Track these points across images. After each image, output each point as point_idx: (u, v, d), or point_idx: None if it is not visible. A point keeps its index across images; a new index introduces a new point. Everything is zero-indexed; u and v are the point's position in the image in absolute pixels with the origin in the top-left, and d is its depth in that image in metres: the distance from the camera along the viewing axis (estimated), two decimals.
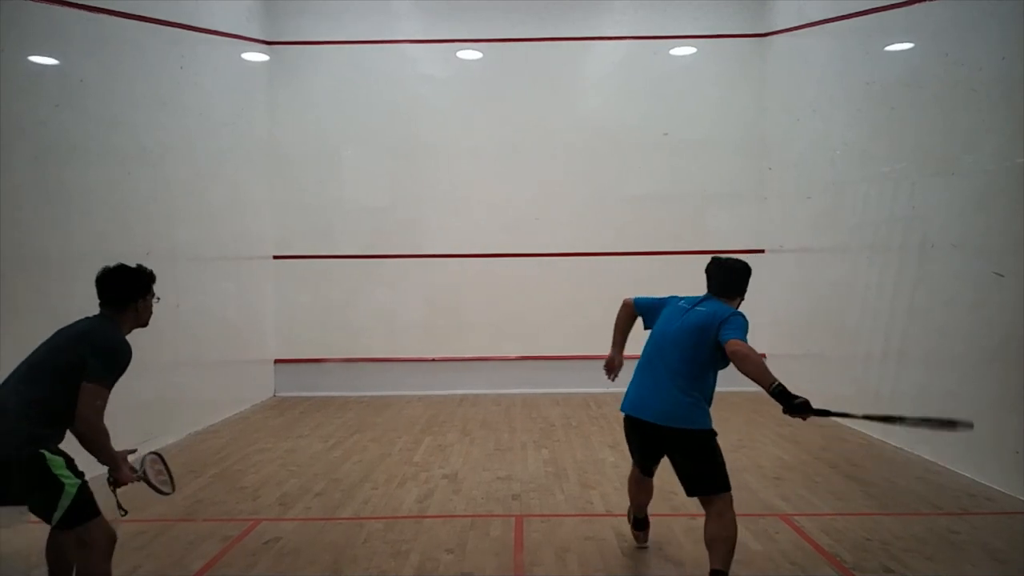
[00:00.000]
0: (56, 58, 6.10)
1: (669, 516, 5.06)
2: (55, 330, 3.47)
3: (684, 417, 3.79)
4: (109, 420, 3.27)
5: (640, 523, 4.55)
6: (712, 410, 3.85)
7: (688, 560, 4.32)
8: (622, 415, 4.10)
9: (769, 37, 9.52)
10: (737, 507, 4.92)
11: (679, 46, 9.81)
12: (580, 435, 7.44)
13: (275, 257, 9.87)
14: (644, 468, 4.26)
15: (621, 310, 4.43)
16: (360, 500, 5.52)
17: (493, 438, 7.41)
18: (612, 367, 4.44)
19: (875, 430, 7.13)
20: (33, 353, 3.40)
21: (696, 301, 4.02)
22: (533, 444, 7.16)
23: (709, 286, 4.09)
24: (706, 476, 3.79)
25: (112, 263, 3.53)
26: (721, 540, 3.72)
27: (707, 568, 3.66)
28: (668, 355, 3.89)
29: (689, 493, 3.87)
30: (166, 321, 7.30)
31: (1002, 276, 5.53)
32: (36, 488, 3.17)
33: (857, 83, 7.68)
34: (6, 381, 3.34)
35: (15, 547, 4.43)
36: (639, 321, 4.34)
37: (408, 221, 9.90)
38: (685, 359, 3.83)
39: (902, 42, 7.03)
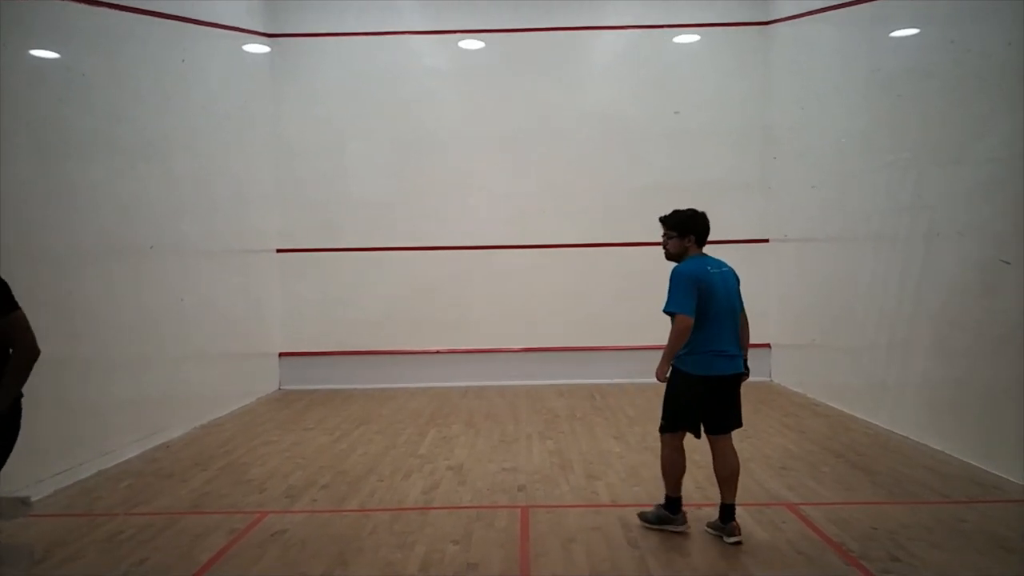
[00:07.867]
0: (59, 52, 6.08)
1: None
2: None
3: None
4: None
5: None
6: None
7: (695, 550, 4.31)
8: (703, 377, 4.36)
9: (773, 25, 9.46)
10: (743, 497, 4.93)
11: (683, 35, 9.76)
12: (585, 426, 7.44)
13: (279, 251, 9.88)
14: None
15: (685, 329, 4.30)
16: (366, 492, 5.53)
17: (498, 430, 7.41)
18: None
19: (882, 419, 7.11)
20: None
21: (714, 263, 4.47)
22: (538, 435, 7.16)
23: (703, 241, 4.52)
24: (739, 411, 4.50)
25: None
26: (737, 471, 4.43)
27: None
28: (730, 316, 4.44)
29: (725, 430, 4.46)
30: (171, 315, 7.35)
31: (1009, 264, 5.50)
32: None
33: (862, 71, 7.62)
34: None
35: (19, 540, 4.45)
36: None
37: (412, 213, 9.88)
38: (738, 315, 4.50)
39: (908, 29, 6.97)
